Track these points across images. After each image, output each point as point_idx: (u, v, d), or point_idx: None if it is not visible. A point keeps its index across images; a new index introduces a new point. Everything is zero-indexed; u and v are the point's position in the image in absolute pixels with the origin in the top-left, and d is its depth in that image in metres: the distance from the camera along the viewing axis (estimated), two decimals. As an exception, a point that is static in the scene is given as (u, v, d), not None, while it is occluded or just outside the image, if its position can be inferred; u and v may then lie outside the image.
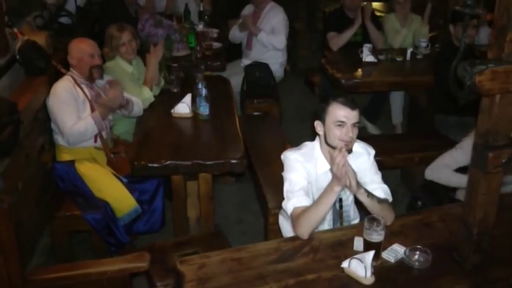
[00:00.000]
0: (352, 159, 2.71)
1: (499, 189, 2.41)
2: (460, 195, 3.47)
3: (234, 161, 3.58)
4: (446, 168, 3.65)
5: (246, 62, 5.96)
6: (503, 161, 2.24)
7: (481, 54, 4.69)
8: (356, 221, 3.06)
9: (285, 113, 5.83)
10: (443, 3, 6.35)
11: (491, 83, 2.10)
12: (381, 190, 2.83)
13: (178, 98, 4.27)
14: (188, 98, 4.21)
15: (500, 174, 2.37)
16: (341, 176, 2.51)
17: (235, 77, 5.61)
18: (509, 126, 2.28)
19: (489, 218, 2.43)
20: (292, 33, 6.81)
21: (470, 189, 2.43)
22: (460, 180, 3.51)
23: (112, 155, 3.97)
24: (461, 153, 3.54)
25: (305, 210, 2.62)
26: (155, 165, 3.56)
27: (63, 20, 5.19)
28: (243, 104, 5.49)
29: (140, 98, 4.22)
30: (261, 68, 5.69)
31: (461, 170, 3.59)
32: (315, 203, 2.63)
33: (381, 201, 2.70)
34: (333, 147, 2.74)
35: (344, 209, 2.97)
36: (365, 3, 5.95)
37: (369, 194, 2.67)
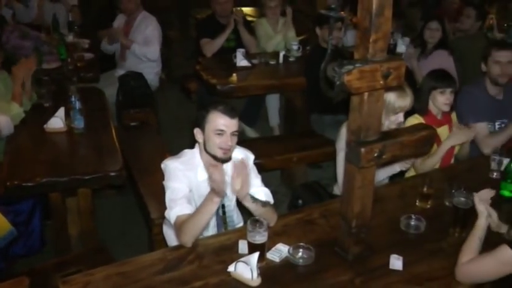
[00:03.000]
0: (231, 166, 2.73)
1: (373, 182, 2.53)
2: (338, 190, 3.59)
3: (112, 174, 3.51)
4: None
5: (120, 72, 5.84)
6: (375, 155, 2.35)
7: (350, 55, 4.90)
8: (240, 224, 3.08)
9: (162, 122, 5.77)
10: (312, 6, 6.57)
11: (359, 82, 2.20)
12: (262, 193, 2.88)
13: (51, 112, 4.11)
14: (61, 111, 4.07)
15: (374, 168, 2.48)
16: (220, 191, 2.51)
17: (109, 88, 5.49)
18: (378, 122, 2.40)
19: (366, 210, 2.54)
20: (166, 41, 6.77)
21: (346, 184, 2.53)
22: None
23: (-19, 177, 3.75)
24: None
25: (188, 218, 2.60)
26: (30, 184, 3.39)
27: None
28: (119, 115, 5.37)
29: (9, 115, 4.01)
30: (135, 77, 5.60)
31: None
32: (197, 211, 2.62)
33: (264, 204, 2.74)
34: (213, 155, 2.77)
35: (227, 214, 2.99)
36: (236, 8, 6.03)
37: (254, 200, 2.69)
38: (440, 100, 3.63)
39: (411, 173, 3.75)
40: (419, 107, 3.66)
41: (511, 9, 6.04)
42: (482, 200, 2.62)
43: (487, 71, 4.00)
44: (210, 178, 2.50)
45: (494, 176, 3.45)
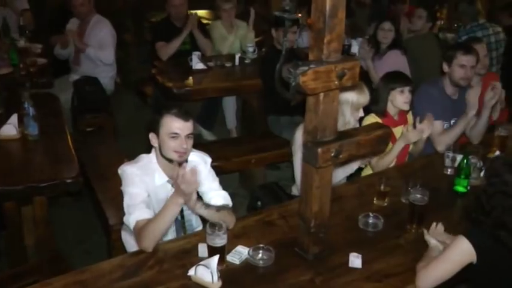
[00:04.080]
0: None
1: (331, 182, 2.56)
2: (296, 191, 3.61)
3: (69, 181, 3.45)
4: None
5: (75, 77, 5.75)
6: (332, 154, 2.37)
7: (305, 56, 4.94)
8: (199, 228, 3.07)
9: (118, 126, 5.70)
10: (267, 8, 6.60)
11: (314, 83, 2.22)
12: (219, 197, 2.87)
13: (4, 120, 4.01)
14: (14, 118, 3.98)
15: (331, 168, 2.51)
16: (190, 192, 2.49)
17: (64, 93, 5.40)
18: (335, 122, 2.43)
19: (324, 209, 2.56)
20: (121, 45, 6.70)
21: (304, 184, 2.54)
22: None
23: None
24: None
25: (148, 223, 2.58)
26: (-17, 193, 3.32)
27: None
28: (75, 120, 5.29)
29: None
30: (90, 82, 5.53)
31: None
32: (158, 215, 2.60)
33: (219, 209, 2.73)
34: (168, 159, 2.75)
35: (186, 218, 2.98)
36: (191, 11, 6.00)
37: (206, 206, 2.69)
38: (400, 99, 3.70)
39: (367, 172, 3.80)
40: (377, 108, 3.73)
41: (460, 10, 6.18)
42: (435, 237, 2.66)
43: (449, 72, 4.01)
44: (181, 179, 2.46)
45: (448, 172, 3.53)
